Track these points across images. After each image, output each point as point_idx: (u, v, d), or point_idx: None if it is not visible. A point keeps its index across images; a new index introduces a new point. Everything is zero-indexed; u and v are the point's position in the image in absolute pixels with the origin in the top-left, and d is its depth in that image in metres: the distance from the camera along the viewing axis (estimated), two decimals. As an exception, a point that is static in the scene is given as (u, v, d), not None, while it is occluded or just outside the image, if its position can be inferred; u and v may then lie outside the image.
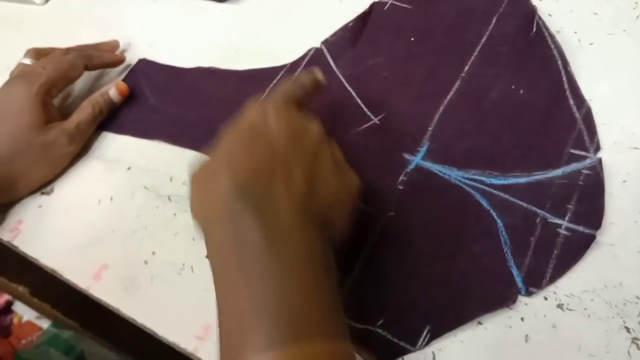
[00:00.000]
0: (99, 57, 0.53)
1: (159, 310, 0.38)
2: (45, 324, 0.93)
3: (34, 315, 0.95)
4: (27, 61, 0.50)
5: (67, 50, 0.52)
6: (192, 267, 0.39)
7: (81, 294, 0.43)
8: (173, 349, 0.38)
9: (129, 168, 0.46)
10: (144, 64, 0.55)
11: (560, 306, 0.32)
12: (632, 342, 0.31)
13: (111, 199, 0.44)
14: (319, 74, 0.40)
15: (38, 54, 0.51)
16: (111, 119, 0.50)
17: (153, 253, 0.41)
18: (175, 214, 0.42)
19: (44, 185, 0.47)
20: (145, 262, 0.40)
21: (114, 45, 0.56)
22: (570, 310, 0.32)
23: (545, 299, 0.33)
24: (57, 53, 0.51)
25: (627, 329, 0.31)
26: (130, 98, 0.51)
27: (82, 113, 0.48)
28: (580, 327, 0.32)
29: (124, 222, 0.43)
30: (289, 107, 0.36)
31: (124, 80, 0.53)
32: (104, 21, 0.59)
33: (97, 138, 0.49)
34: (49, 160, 0.46)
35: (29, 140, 0.45)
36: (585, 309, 0.32)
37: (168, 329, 0.37)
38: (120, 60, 0.54)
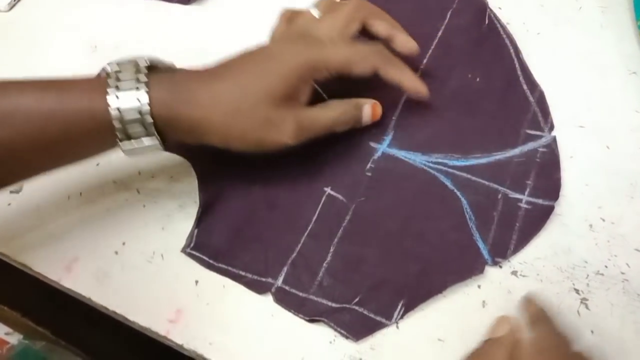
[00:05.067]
0: (399, 72, 0.40)
1: (130, 298, 0.38)
2: (14, 339, 0.91)
3: (3, 331, 0.93)
4: (315, 13, 0.42)
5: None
6: (162, 255, 0.40)
7: (53, 303, 0.42)
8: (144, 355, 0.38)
9: (97, 164, 0.46)
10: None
11: (514, 273, 0.34)
12: (582, 302, 0.32)
13: (80, 194, 0.44)
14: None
15: (330, 8, 0.41)
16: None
17: (123, 243, 0.41)
18: (144, 206, 0.43)
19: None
20: (116, 253, 0.41)
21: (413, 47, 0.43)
22: (523, 276, 0.34)
23: (500, 267, 0.34)
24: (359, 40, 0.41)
25: (577, 291, 0.33)
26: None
27: (328, 111, 0.39)
28: (533, 291, 0.33)
29: (93, 215, 0.43)
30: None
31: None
32: (71, 26, 0.59)
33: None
34: (259, 136, 0.37)
35: (254, 108, 0.36)
36: (538, 274, 0.34)
37: (140, 314, 0.37)
38: (419, 92, 0.41)
